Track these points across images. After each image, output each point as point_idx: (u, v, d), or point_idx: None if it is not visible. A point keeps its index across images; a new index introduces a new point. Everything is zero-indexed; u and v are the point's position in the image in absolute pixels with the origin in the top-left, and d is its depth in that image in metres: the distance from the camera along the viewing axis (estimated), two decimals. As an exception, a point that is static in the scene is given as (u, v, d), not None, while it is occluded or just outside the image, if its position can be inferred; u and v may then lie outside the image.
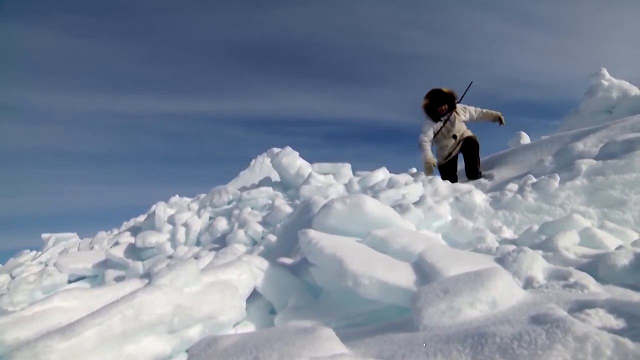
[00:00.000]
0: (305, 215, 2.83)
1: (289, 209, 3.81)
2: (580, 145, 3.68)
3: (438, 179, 3.62)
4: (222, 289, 1.63)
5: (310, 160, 5.79)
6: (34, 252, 7.13)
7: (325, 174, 4.79)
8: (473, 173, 4.52)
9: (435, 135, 4.76)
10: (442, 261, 1.48)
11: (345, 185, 4.16)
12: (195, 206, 5.58)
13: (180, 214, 5.12)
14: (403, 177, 3.88)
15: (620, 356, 0.59)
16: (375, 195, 3.08)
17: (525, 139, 8.31)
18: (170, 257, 4.35)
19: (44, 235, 7.39)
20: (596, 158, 3.08)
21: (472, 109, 4.89)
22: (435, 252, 1.57)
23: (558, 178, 2.99)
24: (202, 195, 5.94)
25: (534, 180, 3.16)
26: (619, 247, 1.70)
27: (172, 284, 1.54)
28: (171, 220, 5.07)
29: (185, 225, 4.86)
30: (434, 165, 4.69)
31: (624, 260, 1.47)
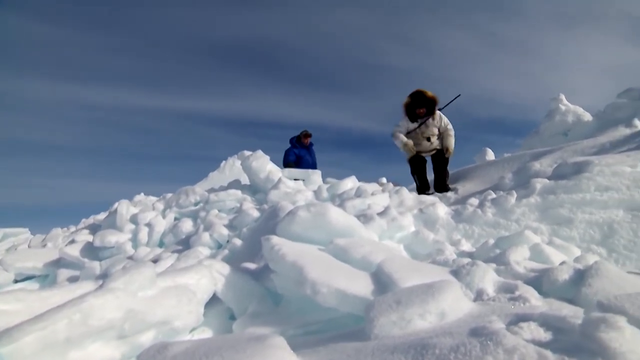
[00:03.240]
0: (272, 221, 2.82)
1: (256, 213, 3.78)
2: (537, 165, 3.91)
3: (405, 190, 3.73)
4: (178, 294, 1.60)
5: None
6: (-22, 248, 6.62)
7: (295, 179, 4.80)
8: (441, 186, 4.65)
9: (408, 133, 4.81)
10: (399, 272, 1.52)
11: (315, 192, 4.18)
12: (160, 206, 5.41)
13: (144, 213, 4.94)
14: (371, 187, 3.95)
15: (541, 367, 0.65)
16: (342, 203, 3.12)
17: (490, 155, 8.74)
18: (130, 257, 4.18)
19: (-9, 230, 6.90)
20: (549, 178, 3.29)
21: (446, 121, 4.90)
22: (394, 262, 1.61)
23: (515, 195, 3.16)
24: (169, 195, 5.77)
25: (494, 196, 3.32)
26: (562, 263, 1.82)
27: (125, 288, 1.49)
28: (134, 219, 4.89)
29: (149, 225, 4.70)
30: (413, 148, 4.71)
31: (564, 275, 1.58)
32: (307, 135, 6.47)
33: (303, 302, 1.68)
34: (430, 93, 4.86)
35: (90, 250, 4.50)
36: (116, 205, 5.31)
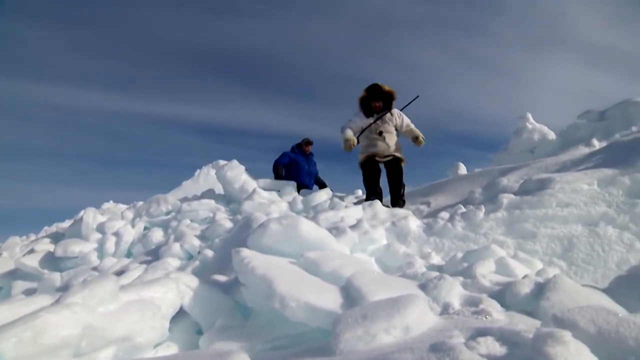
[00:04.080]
0: (245, 232, 2.79)
1: (229, 224, 3.72)
2: (504, 180, 4.07)
3: (378, 203, 3.78)
4: (141, 308, 1.54)
5: (259, 174, 5.73)
6: None
7: (270, 190, 4.77)
8: (396, 201, 4.40)
9: (363, 130, 4.54)
10: (368, 286, 1.53)
11: (289, 203, 4.17)
12: (129, 214, 5.21)
13: (112, 222, 4.75)
14: (346, 199, 3.98)
15: (493, 382, 0.67)
16: (316, 215, 3.12)
17: (463, 169, 9.04)
18: (95, 268, 3.99)
19: (-60, 238, 6.42)
20: (515, 193, 3.43)
21: (407, 120, 4.72)
22: (363, 276, 1.62)
23: (483, 209, 3.27)
24: (139, 203, 5.58)
25: (463, 210, 3.42)
26: (525, 276, 1.89)
27: (84, 303, 1.42)
28: (101, 228, 4.68)
29: (116, 234, 4.51)
30: (354, 145, 4.50)
31: (526, 288, 1.64)
32: (308, 142, 6.42)
33: (272, 315, 1.66)
34: (387, 87, 4.67)
35: (51, 261, 4.26)
36: (82, 213, 5.08)
